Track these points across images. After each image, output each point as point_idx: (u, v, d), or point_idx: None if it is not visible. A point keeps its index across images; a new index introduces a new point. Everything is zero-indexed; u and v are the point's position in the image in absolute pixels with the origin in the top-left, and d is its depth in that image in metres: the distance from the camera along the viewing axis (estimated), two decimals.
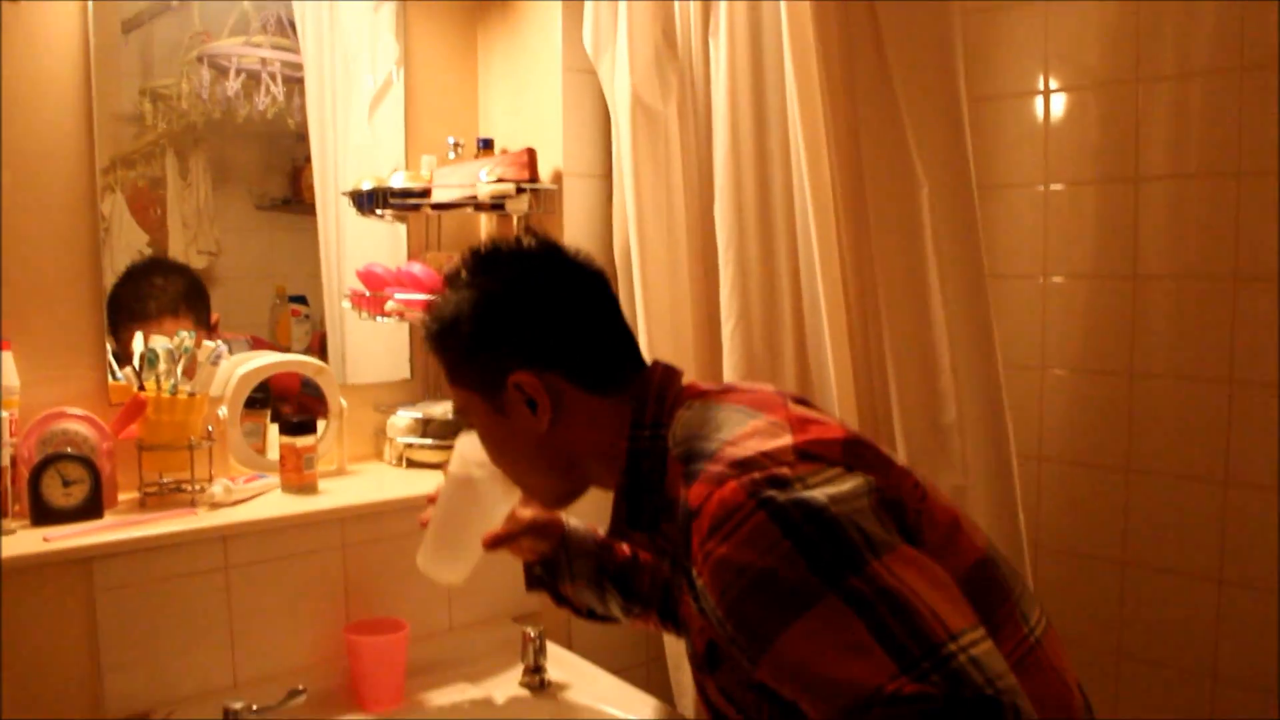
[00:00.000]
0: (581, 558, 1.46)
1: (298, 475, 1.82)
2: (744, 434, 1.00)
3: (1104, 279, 2.31)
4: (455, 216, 2.20)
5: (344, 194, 2.07)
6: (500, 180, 2.00)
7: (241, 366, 1.90)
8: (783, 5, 1.77)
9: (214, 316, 2.00)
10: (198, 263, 2.00)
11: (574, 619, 1.55)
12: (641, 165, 1.99)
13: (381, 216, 2.08)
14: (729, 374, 1.90)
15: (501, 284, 1.17)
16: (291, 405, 2.00)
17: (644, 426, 1.13)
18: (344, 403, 1.99)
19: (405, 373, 2.20)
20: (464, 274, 1.20)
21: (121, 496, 1.74)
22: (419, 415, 2.04)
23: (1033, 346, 2.42)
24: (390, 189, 2.02)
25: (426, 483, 1.72)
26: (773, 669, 0.91)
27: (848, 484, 0.94)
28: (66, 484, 1.63)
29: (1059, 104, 2.37)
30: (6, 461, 1.61)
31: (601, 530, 1.38)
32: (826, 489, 0.93)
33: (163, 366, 1.73)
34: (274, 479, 1.84)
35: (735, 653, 0.96)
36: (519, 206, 2.03)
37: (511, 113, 2.21)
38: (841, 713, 0.85)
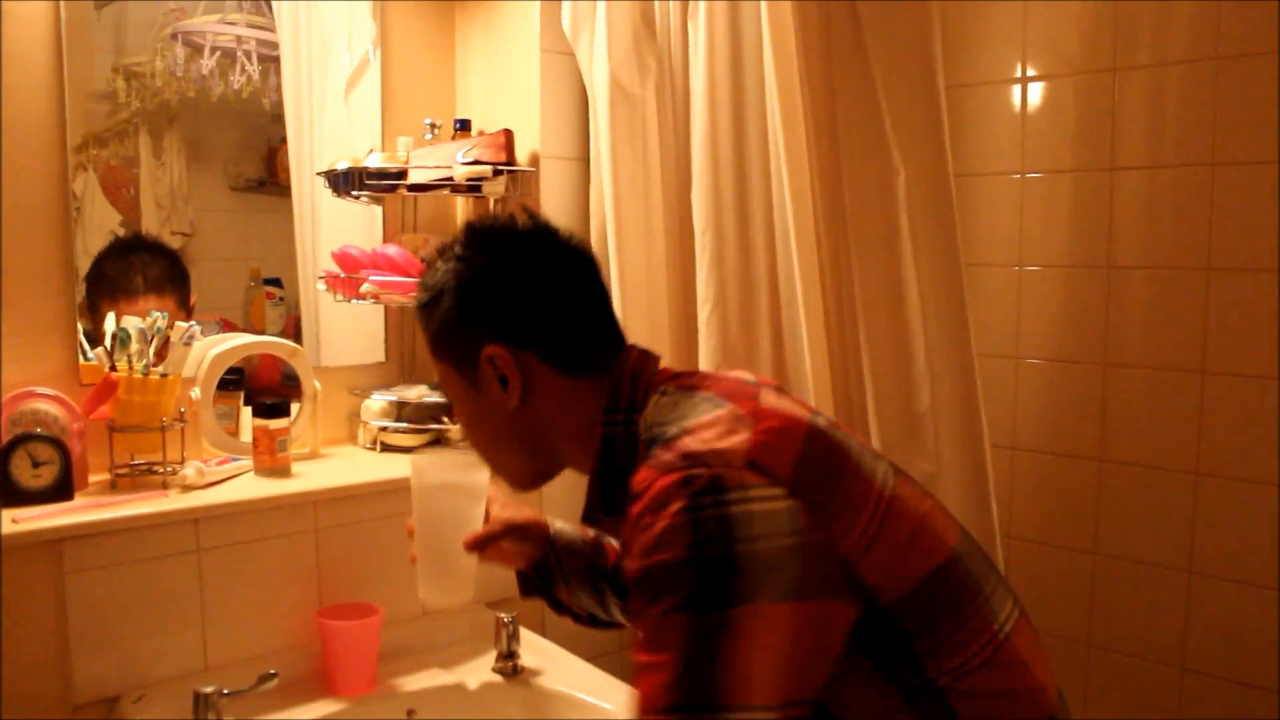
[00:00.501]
0: (571, 557, 1.43)
1: (271, 458, 1.81)
2: (704, 423, 1.00)
3: (1079, 268, 2.32)
4: (432, 198, 2.19)
5: (319, 174, 2.05)
6: (477, 162, 1.99)
7: (215, 348, 1.88)
8: None
9: (192, 298, 1.98)
10: (171, 244, 1.98)
11: None
12: (619, 148, 1.98)
13: (357, 198, 2.07)
14: (705, 358, 1.90)
15: (488, 259, 1.17)
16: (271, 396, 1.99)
17: (618, 411, 1.13)
18: (318, 385, 1.98)
19: (380, 356, 2.19)
20: (457, 247, 1.20)
21: (92, 478, 1.73)
22: (394, 399, 2.03)
23: (1007, 335, 2.44)
24: (366, 170, 2.00)
25: (401, 466, 1.72)
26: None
27: (777, 519, 0.93)
28: (36, 465, 1.61)
29: (1036, 92, 2.38)
30: None
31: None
32: (757, 509, 0.92)
33: (135, 347, 1.71)
34: (247, 461, 1.83)
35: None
36: (495, 189, 2.02)
37: (489, 94, 2.20)
38: (639, 710, 0.92)
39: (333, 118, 2.12)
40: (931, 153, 1.75)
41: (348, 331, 2.16)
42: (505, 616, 1.73)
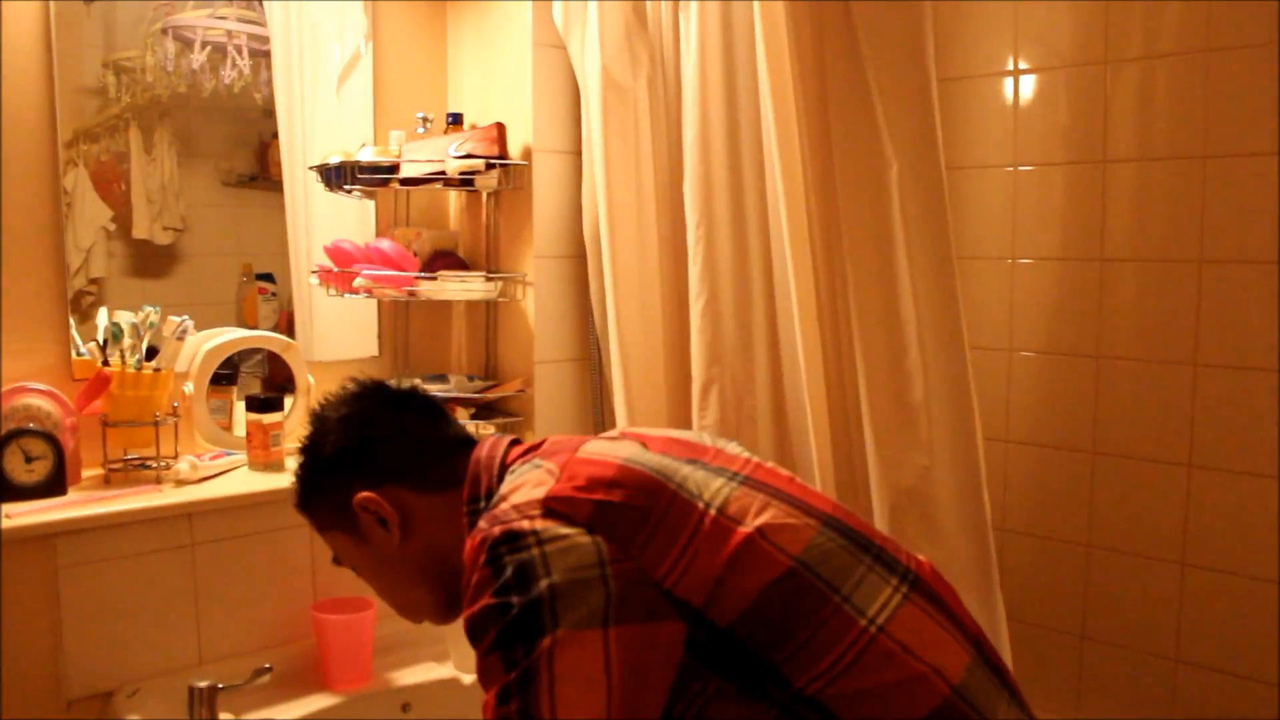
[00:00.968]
0: None
1: (265, 452, 1.81)
2: (518, 486, 1.06)
3: (1071, 261, 2.33)
4: (424, 192, 2.19)
5: (311, 169, 2.05)
6: (469, 156, 1.99)
7: (208, 342, 1.88)
8: None
9: None
10: (162, 239, 1.98)
11: None
12: (611, 141, 1.98)
13: (350, 192, 2.07)
14: (697, 351, 1.90)
15: (329, 425, 1.25)
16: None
17: (478, 499, 1.16)
18: (311, 380, 1.97)
19: (373, 349, 2.19)
20: (304, 441, 1.27)
21: (85, 473, 1.73)
22: None
23: (1000, 328, 2.44)
24: (358, 164, 2.00)
25: None
26: None
27: (575, 554, 0.98)
28: (29, 460, 1.61)
29: (1028, 85, 2.38)
30: None
31: None
32: (551, 549, 0.98)
33: (127, 341, 1.71)
34: (240, 456, 1.83)
35: None
36: (488, 182, 2.02)
37: (481, 87, 2.20)
38: None
39: (324, 112, 2.12)
40: (924, 146, 1.75)
41: (341, 326, 2.16)
42: None
